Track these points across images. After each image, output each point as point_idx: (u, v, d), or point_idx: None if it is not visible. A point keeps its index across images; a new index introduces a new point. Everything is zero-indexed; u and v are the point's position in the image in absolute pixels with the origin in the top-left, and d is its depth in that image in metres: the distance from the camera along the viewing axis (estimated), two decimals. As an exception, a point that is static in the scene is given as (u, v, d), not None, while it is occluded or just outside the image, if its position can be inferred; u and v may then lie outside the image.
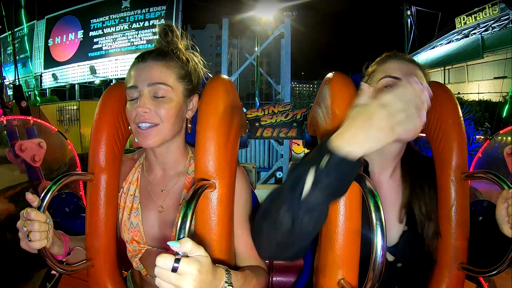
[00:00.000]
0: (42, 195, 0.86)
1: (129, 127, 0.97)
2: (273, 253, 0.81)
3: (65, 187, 1.25)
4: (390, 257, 0.97)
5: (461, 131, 0.97)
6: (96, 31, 12.87)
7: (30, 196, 0.83)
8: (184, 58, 0.95)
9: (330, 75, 0.93)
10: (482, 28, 17.55)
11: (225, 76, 0.97)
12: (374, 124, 0.62)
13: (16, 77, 4.41)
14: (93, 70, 12.49)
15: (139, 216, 1.00)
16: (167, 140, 0.94)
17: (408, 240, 0.97)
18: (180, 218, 0.70)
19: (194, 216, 0.85)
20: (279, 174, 7.50)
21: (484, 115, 9.02)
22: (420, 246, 0.96)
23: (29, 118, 1.83)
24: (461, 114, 0.98)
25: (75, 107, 9.38)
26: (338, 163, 0.63)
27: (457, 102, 1.00)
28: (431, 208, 0.97)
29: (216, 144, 0.86)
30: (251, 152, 7.53)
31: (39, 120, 1.90)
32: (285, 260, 0.81)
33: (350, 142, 0.63)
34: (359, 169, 0.67)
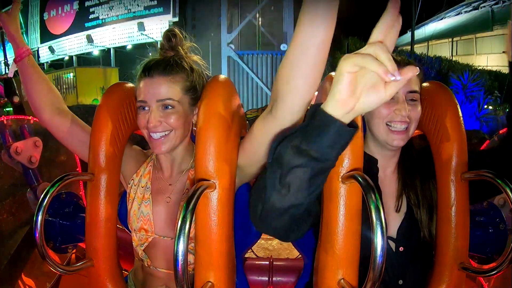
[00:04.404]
0: (42, 196, 0.86)
1: (130, 128, 1.02)
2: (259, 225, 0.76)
3: (65, 187, 1.25)
4: (392, 245, 0.99)
5: (461, 131, 0.97)
6: (92, 0, 12.55)
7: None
8: (188, 67, 0.99)
9: (332, 73, 0.93)
10: (492, 1, 16.97)
11: (225, 76, 0.97)
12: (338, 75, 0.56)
13: (4, 59, 4.29)
14: (90, 39, 12.04)
15: (150, 205, 1.04)
16: (177, 146, 1.01)
17: (406, 227, 1.00)
18: (180, 218, 0.71)
19: (194, 216, 0.86)
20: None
21: (493, 84, 8.78)
22: (419, 233, 1.00)
23: (29, 117, 1.82)
24: (461, 114, 0.98)
25: (71, 74, 9.07)
26: (320, 124, 0.58)
27: (457, 102, 1.00)
28: (422, 197, 1.01)
29: (216, 144, 0.86)
30: (252, 104, 7.18)
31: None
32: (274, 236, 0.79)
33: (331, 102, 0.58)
34: (349, 136, 0.60)
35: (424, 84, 1.06)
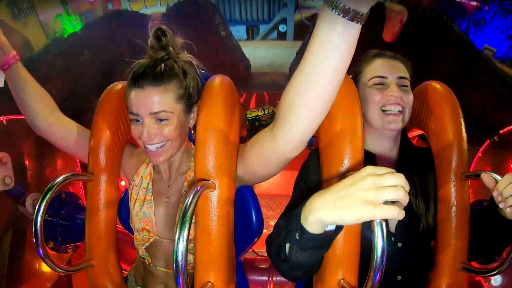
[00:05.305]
0: (42, 196, 0.86)
1: (130, 128, 0.97)
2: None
3: (65, 187, 1.25)
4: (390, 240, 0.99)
5: (461, 131, 0.96)
6: None
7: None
8: (181, 72, 0.93)
9: None
10: None
11: (224, 76, 0.97)
12: (357, 194, 0.58)
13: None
14: None
15: (152, 207, 1.03)
16: (174, 154, 0.97)
17: (405, 222, 0.99)
18: (179, 219, 0.70)
19: (194, 216, 0.86)
20: (282, 28, 5.85)
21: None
22: (417, 225, 1.00)
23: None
24: (461, 114, 0.98)
25: (24, -7, 8.18)
26: (310, 239, 0.67)
27: (457, 102, 1.00)
28: (420, 188, 1.02)
29: (216, 144, 0.86)
30: (245, 1, 5.90)
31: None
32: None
33: (321, 215, 0.62)
34: (335, 236, 0.70)
35: (425, 84, 1.06)
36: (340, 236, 0.79)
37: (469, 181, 0.96)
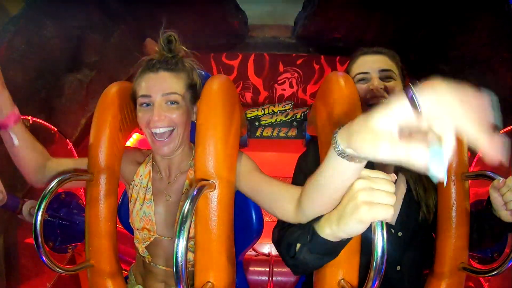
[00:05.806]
0: (41, 196, 0.86)
1: (130, 128, 0.97)
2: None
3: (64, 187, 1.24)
4: (391, 231, 1.00)
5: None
6: None
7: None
8: (189, 67, 1.01)
9: (331, 74, 0.94)
10: None
11: (224, 76, 0.97)
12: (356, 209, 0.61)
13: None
14: None
15: (152, 206, 1.04)
16: (178, 147, 0.99)
17: (406, 208, 1.01)
18: (180, 219, 0.70)
19: (194, 216, 0.86)
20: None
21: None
22: (417, 213, 1.01)
23: (29, 117, 1.82)
24: None
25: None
26: (322, 243, 0.72)
27: None
28: (418, 175, 1.03)
29: (216, 144, 0.86)
30: None
31: (39, 120, 1.89)
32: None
33: (335, 227, 0.67)
34: (343, 247, 0.74)
35: (425, 84, 1.06)
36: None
37: (469, 181, 0.97)
